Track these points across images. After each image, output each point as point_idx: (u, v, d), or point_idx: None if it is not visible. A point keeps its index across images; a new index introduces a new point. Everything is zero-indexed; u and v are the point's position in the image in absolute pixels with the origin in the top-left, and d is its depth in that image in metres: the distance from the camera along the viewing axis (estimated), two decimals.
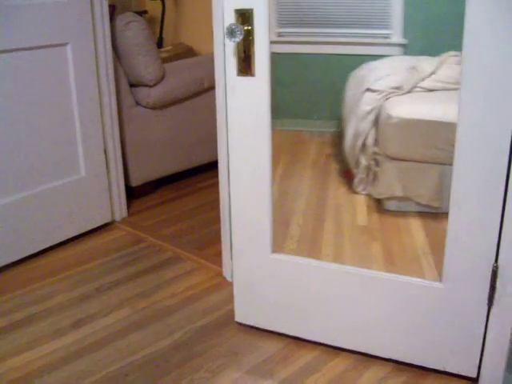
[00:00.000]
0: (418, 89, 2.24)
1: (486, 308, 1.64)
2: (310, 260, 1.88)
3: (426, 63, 2.25)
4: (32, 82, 2.43)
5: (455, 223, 1.60)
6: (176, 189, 3.35)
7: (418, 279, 1.73)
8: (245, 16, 1.64)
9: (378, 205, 2.31)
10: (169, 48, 4.00)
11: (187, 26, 4.33)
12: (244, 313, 2.04)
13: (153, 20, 4.55)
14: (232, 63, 1.72)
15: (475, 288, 1.63)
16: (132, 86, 3.04)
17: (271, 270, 1.92)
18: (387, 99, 2.23)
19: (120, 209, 2.95)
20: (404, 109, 2.18)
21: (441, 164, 2.18)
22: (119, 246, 2.69)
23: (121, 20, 2.89)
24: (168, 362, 1.89)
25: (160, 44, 4.32)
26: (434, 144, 2.18)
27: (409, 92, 2.23)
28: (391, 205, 2.29)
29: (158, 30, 4.43)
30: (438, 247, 2.17)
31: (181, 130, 3.27)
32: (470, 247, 1.60)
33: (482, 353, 1.70)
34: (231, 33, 1.61)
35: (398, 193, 2.27)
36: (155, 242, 2.72)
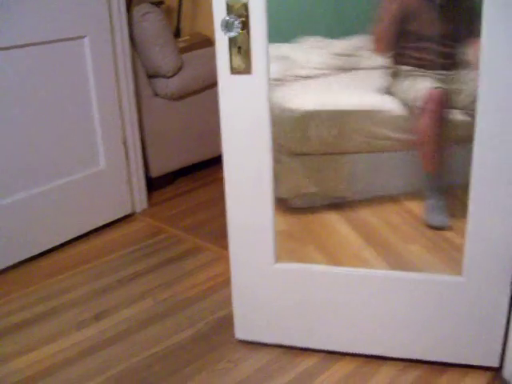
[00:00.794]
0: (295, 78, 2.23)
1: (508, 298, 1.62)
2: (319, 266, 1.78)
3: (295, 51, 2.24)
4: (50, 76, 2.44)
5: (476, 216, 1.56)
6: (195, 179, 3.34)
7: (436, 275, 1.69)
8: (239, 7, 1.48)
9: (283, 204, 2.21)
10: (186, 38, 3.98)
11: (204, 16, 4.31)
12: (245, 328, 1.90)
13: (170, 10, 4.52)
14: (224, 60, 1.55)
15: (497, 279, 1.60)
16: (150, 77, 3.03)
17: (275, 281, 1.78)
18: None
19: (140, 200, 2.96)
20: (303, 100, 2.14)
21: (347, 153, 2.17)
22: (140, 238, 2.69)
23: (137, 11, 2.88)
24: (190, 352, 1.89)
25: (177, 34, 4.30)
26: (341, 134, 2.16)
27: (288, 82, 2.21)
28: (296, 202, 2.23)
29: (175, 20, 4.41)
30: (369, 238, 2.13)
31: (199, 120, 3.26)
32: (491, 239, 1.56)
33: (504, 342, 1.68)
34: (227, 26, 1.46)
35: (307, 189, 2.23)
36: (175, 233, 2.72)
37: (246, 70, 1.52)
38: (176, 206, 3.03)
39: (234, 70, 1.53)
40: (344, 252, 2.04)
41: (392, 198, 2.38)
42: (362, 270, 1.74)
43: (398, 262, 2.02)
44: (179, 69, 3.05)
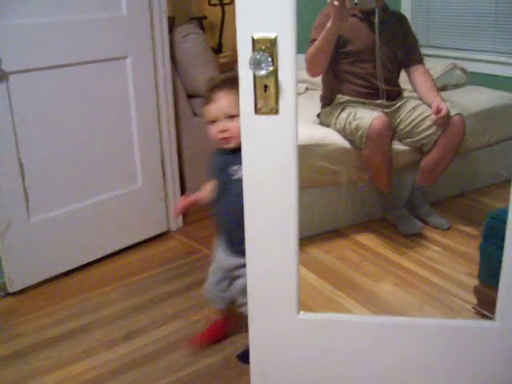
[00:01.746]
0: None
1: None
2: (347, 316, 1.71)
3: None
4: (93, 95, 2.48)
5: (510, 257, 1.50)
6: None
7: (468, 320, 1.64)
8: (266, 43, 1.35)
9: None
10: (228, 54, 4.02)
11: None
12: (263, 382, 1.75)
13: (212, 25, 4.57)
14: (249, 100, 1.40)
15: None
16: (190, 96, 3.06)
17: (298, 333, 1.65)
18: None
19: (176, 218, 2.98)
20: None
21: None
22: (174, 257, 2.71)
23: (179, 32, 2.92)
24: (217, 378, 1.88)
25: (219, 49, 4.35)
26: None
27: None
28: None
29: (217, 36, 4.45)
30: (333, 280, 2.12)
31: None
32: None
33: None
34: (257, 64, 1.34)
35: None
36: (209, 254, 2.71)
37: (273, 110, 1.41)
38: (211, 225, 3.02)
39: (260, 111, 1.41)
40: (311, 298, 2.01)
41: (339, 233, 2.36)
42: (392, 319, 1.65)
43: (373, 303, 2.03)
44: None
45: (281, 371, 1.73)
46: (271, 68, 1.35)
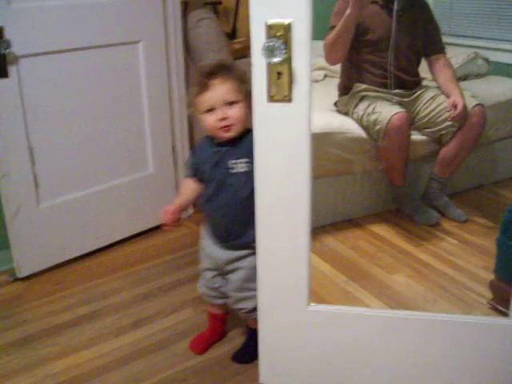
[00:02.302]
0: None
1: None
2: (358, 309, 1.68)
3: None
4: (104, 79, 2.45)
5: None
6: None
7: (481, 317, 1.60)
8: (280, 30, 1.33)
9: None
10: (242, 39, 3.97)
11: None
12: (270, 374, 1.76)
13: (227, 11, 4.51)
14: (261, 87, 1.39)
15: None
16: None
17: (308, 325, 1.65)
18: None
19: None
20: None
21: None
22: (184, 244, 2.68)
23: (193, 17, 2.87)
24: (226, 369, 1.86)
25: (233, 34, 4.29)
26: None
27: None
28: None
29: (231, 21, 4.40)
30: (347, 270, 2.10)
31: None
32: None
33: None
34: (270, 51, 1.31)
35: None
36: None
37: (286, 97, 1.38)
38: None
39: (272, 98, 1.39)
40: (324, 288, 1.98)
41: (354, 223, 2.32)
42: (404, 313, 1.62)
43: (387, 295, 1.99)
44: None
45: (290, 363, 1.72)
46: (285, 55, 1.31)
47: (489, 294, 1.86)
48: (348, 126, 2.25)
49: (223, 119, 1.61)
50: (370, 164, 2.31)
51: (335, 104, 2.35)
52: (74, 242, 2.52)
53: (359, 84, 2.22)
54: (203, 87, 1.61)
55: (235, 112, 1.59)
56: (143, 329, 2.07)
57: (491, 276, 1.87)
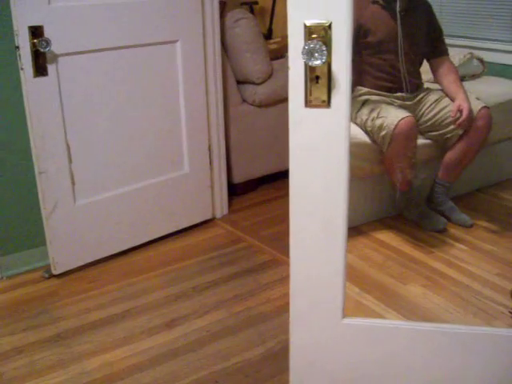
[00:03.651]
0: None
1: None
2: (394, 322, 1.64)
3: None
4: (141, 79, 2.46)
5: None
6: (278, 188, 3.28)
7: None
8: (319, 31, 1.26)
9: None
10: (278, 40, 3.95)
11: None
12: None
13: (263, 11, 4.51)
14: (299, 91, 1.33)
15: None
16: (239, 83, 3.01)
17: (342, 339, 1.57)
18: None
19: (221, 206, 2.94)
20: None
21: None
22: (218, 245, 2.67)
23: (230, 17, 2.86)
24: (258, 372, 1.84)
25: (269, 35, 4.28)
26: None
27: None
28: None
29: (267, 21, 4.39)
30: (358, 282, 2.04)
31: (285, 128, 3.21)
32: None
33: None
34: (311, 54, 1.24)
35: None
36: (254, 243, 2.68)
37: (325, 103, 1.32)
38: (256, 214, 2.98)
39: (310, 103, 1.33)
40: None
41: (357, 230, 2.27)
42: (445, 326, 1.56)
43: (404, 306, 1.95)
44: (269, 76, 3.01)
45: (321, 378, 1.66)
46: (326, 58, 1.25)
47: (508, 303, 1.80)
48: (351, 131, 2.21)
49: None
50: (373, 169, 2.26)
51: None
52: (109, 239, 2.52)
53: (360, 87, 2.18)
54: None
55: None
56: (176, 329, 2.06)
57: (508, 284, 1.81)
